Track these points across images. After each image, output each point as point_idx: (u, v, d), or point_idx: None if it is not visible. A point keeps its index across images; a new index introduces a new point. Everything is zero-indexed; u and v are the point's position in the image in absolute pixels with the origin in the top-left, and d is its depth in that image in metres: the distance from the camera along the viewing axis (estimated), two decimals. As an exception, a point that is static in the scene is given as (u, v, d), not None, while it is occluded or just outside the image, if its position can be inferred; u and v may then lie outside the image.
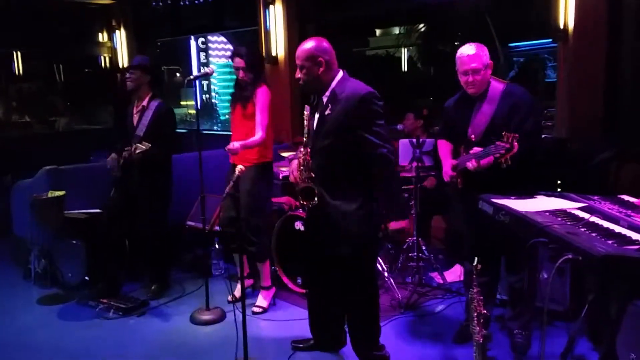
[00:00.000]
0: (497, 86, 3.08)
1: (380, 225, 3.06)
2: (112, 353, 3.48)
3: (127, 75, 4.20)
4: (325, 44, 2.90)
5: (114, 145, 4.34)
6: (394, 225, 4.47)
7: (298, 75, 2.92)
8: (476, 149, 2.96)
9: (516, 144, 2.71)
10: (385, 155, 2.78)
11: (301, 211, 4.11)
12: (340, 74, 2.92)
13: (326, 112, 2.87)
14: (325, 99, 2.90)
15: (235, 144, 3.68)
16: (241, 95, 3.87)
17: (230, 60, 3.97)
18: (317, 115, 2.94)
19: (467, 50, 3.04)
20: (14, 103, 8.61)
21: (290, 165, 3.07)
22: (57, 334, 3.77)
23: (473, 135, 3.04)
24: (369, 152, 2.78)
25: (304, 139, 2.99)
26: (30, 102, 8.73)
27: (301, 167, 2.93)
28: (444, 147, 3.36)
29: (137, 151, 3.89)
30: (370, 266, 3.09)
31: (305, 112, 3.01)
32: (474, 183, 3.11)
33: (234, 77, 3.95)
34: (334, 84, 2.88)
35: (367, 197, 2.88)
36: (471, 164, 2.95)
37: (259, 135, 3.79)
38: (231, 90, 4.09)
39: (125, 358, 3.42)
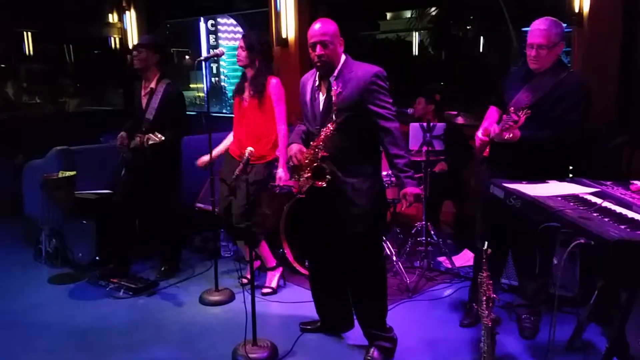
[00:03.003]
0: (559, 71, 3.01)
1: (385, 198, 3.11)
2: (121, 332, 3.51)
3: (135, 53, 4.17)
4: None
5: (123, 124, 4.35)
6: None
7: (321, 52, 2.85)
8: (494, 127, 2.98)
9: (523, 117, 2.74)
10: (392, 129, 2.83)
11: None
12: (344, 56, 2.95)
13: (338, 91, 2.86)
14: (332, 79, 2.90)
15: (280, 172, 3.75)
16: (253, 88, 3.79)
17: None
18: (322, 96, 2.94)
19: (539, 24, 2.96)
20: (25, 84, 8.63)
21: (290, 150, 3.03)
22: (68, 313, 3.81)
23: (512, 108, 2.98)
24: (377, 124, 2.83)
25: (307, 121, 3.04)
26: (41, 83, 8.75)
27: (317, 147, 2.90)
28: (490, 114, 3.31)
29: (150, 142, 3.86)
30: (379, 245, 3.11)
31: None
32: (499, 163, 3.11)
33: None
34: (340, 65, 2.91)
35: (377, 172, 2.96)
36: (494, 130, 2.96)
37: (282, 130, 3.80)
38: (240, 74, 4.05)
39: (135, 337, 3.45)
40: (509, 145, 2.97)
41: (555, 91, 2.95)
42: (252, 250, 3.99)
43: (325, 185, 2.86)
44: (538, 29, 2.95)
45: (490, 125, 3.20)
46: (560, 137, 2.92)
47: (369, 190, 2.90)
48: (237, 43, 4.10)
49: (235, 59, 3.90)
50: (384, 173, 3.78)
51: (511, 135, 2.87)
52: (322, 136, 2.87)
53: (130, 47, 8.17)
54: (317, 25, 2.88)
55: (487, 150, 3.19)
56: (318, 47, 2.86)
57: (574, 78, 3.02)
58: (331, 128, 2.85)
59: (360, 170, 2.90)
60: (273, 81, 3.80)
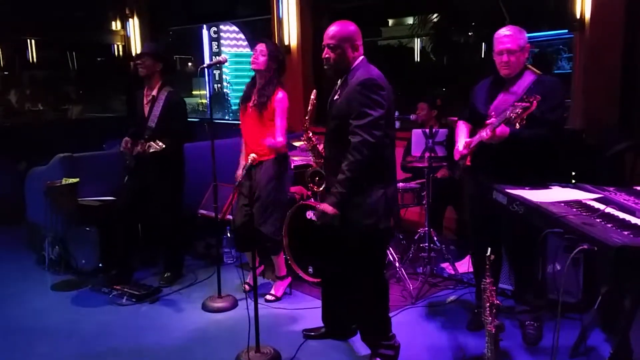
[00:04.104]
0: (530, 75, 3.08)
1: (391, 214, 3.00)
2: (124, 339, 3.51)
3: (139, 62, 4.19)
4: (356, 27, 2.91)
5: (127, 131, 4.37)
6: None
7: (326, 55, 2.86)
8: (492, 120, 2.96)
9: (535, 102, 2.72)
10: (352, 143, 2.73)
11: (313, 200, 4.11)
12: (360, 59, 2.90)
13: (335, 97, 2.89)
14: (338, 85, 2.92)
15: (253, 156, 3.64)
16: (258, 98, 3.78)
17: (243, 49, 3.94)
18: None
19: (504, 31, 3.06)
20: (28, 91, 8.66)
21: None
22: (71, 320, 3.81)
23: (494, 113, 3.01)
24: (350, 137, 2.75)
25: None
26: (44, 89, 8.78)
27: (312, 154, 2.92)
28: (462, 127, 3.35)
29: (151, 150, 3.89)
30: (378, 257, 3.05)
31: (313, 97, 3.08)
32: (483, 166, 3.14)
33: (245, 67, 3.91)
34: (351, 69, 2.88)
35: (375, 186, 2.82)
36: (486, 133, 2.93)
37: (280, 140, 3.76)
38: (242, 80, 4.07)
39: (138, 344, 3.45)
40: (491, 151, 3.01)
41: (532, 92, 2.97)
42: (272, 255, 3.99)
43: (319, 190, 2.87)
44: (504, 35, 3.04)
45: (462, 137, 3.27)
46: (546, 135, 2.95)
47: (362, 203, 2.81)
48: (239, 50, 4.13)
49: (237, 66, 3.92)
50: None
51: (502, 132, 2.88)
52: (311, 144, 2.89)
53: (134, 54, 8.22)
54: (330, 28, 2.88)
55: (469, 160, 3.22)
56: (325, 50, 2.88)
57: (548, 79, 3.08)
58: (308, 135, 2.86)
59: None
60: (280, 95, 3.77)
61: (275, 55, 3.77)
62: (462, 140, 3.23)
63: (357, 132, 2.72)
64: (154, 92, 4.21)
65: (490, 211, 3.08)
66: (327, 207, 2.78)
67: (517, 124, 2.79)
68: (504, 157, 3.00)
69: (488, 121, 2.98)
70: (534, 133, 2.90)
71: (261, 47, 3.77)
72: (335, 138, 2.89)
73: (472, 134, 3.27)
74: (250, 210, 3.60)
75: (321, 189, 2.93)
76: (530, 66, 3.12)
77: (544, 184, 2.69)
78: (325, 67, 2.92)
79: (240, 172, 3.91)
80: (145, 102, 4.26)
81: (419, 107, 4.88)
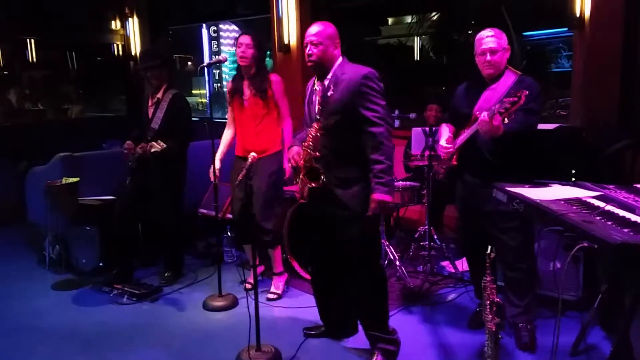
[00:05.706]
0: (511, 75, 3.14)
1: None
2: (125, 338, 3.52)
3: (149, 74, 4.20)
4: (335, 28, 3.00)
5: (128, 132, 4.38)
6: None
7: (310, 51, 2.92)
8: (484, 113, 2.97)
9: (523, 97, 2.75)
10: (376, 134, 2.80)
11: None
12: (340, 58, 2.97)
13: (329, 93, 2.90)
14: (327, 82, 2.93)
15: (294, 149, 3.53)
16: (256, 87, 3.81)
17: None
18: (317, 98, 2.96)
19: (487, 32, 3.12)
20: (27, 91, 8.66)
21: (290, 152, 3.07)
22: (72, 319, 3.81)
23: (478, 112, 3.04)
24: (363, 129, 2.82)
25: (305, 124, 3.06)
26: (44, 89, 8.79)
27: (308, 148, 2.93)
28: (445, 128, 3.41)
29: (152, 150, 3.91)
30: (375, 247, 3.10)
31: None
32: (468, 165, 3.19)
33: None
34: (335, 67, 2.95)
35: (369, 175, 2.87)
36: (483, 117, 2.90)
37: (288, 123, 3.88)
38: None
39: (138, 343, 3.45)
40: (475, 150, 3.08)
41: (514, 90, 2.98)
42: (269, 249, 3.99)
43: (318, 186, 2.88)
44: (487, 36, 3.10)
45: (445, 135, 3.31)
46: (529, 123, 3.01)
47: (359, 193, 2.89)
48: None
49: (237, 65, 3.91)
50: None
51: (497, 124, 2.89)
52: (310, 136, 2.90)
53: (133, 54, 8.22)
54: (311, 27, 2.96)
55: (455, 158, 3.27)
56: (308, 47, 2.93)
57: (528, 78, 3.13)
58: (316, 127, 2.88)
59: (349, 173, 2.90)
60: (275, 78, 3.86)
61: (259, 44, 3.82)
62: (445, 136, 3.31)
63: (378, 122, 2.80)
64: (160, 95, 4.24)
65: (479, 211, 3.14)
66: (384, 197, 2.79)
67: (506, 119, 2.82)
68: (487, 155, 3.07)
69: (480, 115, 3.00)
70: (519, 122, 2.92)
71: (246, 40, 3.78)
72: (335, 133, 2.90)
73: (455, 135, 3.33)
74: (246, 203, 3.61)
75: (320, 183, 2.91)
76: (509, 67, 3.16)
77: (529, 181, 2.70)
78: (309, 63, 2.96)
79: (214, 166, 3.91)
80: (150, 104, 4.29)
81: (428, 108, 4.84)
